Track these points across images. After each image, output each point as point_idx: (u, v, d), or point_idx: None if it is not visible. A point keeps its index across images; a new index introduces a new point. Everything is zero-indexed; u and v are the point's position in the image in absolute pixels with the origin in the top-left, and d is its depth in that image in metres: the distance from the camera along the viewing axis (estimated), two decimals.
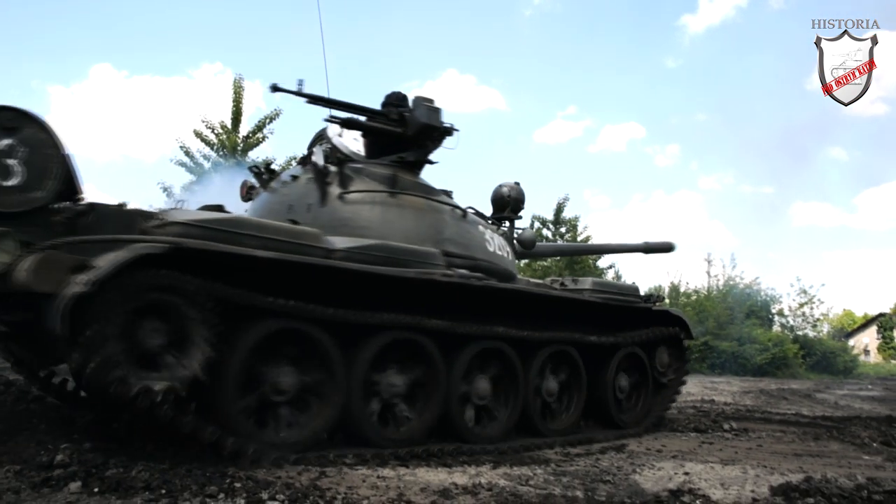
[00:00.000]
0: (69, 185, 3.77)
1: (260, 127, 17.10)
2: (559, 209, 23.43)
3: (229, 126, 17.27)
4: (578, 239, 23.37)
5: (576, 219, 23.90)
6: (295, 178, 5.13)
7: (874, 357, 40.63)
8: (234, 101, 17.09)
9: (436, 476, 3.80)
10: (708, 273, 27.19)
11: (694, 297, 25.75)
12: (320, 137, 5.53)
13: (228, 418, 3.70)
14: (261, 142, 17.20)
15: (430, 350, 4.59)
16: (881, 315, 44.22)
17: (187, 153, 17.13)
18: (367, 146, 5.56)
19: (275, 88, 5.01)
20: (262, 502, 2.95)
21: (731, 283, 26.28)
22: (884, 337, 41.47)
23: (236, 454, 3.60)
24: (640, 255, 9.05)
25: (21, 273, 3.23)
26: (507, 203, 6.30)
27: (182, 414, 3.47)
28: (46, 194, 3.66)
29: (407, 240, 4.78)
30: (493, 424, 5.09)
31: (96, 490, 2.98)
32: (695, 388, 13.16)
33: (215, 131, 17.17)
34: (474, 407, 4.99)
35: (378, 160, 5.31)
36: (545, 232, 23.04)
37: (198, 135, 17.09)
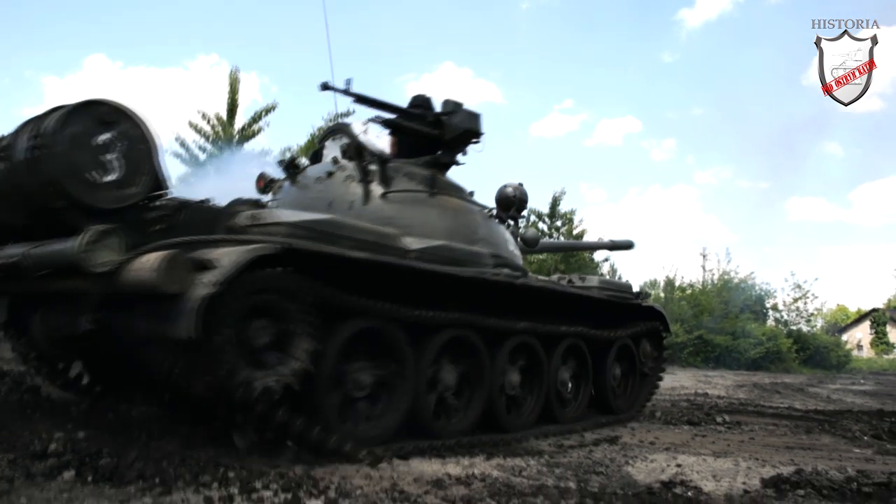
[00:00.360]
0: (156, 180, 3.73)
1: (256, 119, 17.05)
2: (555, 203, 23.43)
3: (225, 118, 17.21)
4: (574, 233, 23.40)
5: (572, 212, 23.92)
6: (331, 174, 5.04)
7: (867, 352, 40.83)
8: (229, 93, 17.02)
9: (429, 466, 3.81)
10: (703, 267, 27.30)
11: (689, 292, 25.82)
12: (332, 132, 5.57)
13: (320, 413, 3.77)
14: (256, 133, 17.15)
15: (479, 346, 4.79)
16: (874, 310, 44.46)
17: (182, 144, 17.07)
18: (401, 146, 5.58)
19: (325, 87, 5.02)
20: (255, 491, 2.96)
21: (727, 277, 26.35)
22: (877, 332, 41.70)
23: (333, 449, 3.65)
24: (607, 251, 9.67)
25: (146, 272, 3.09)
26: (513, 203, 6.45)
27: (278, 408, 3.52)
28: (140, 190, 3.59)
29: (448, 239, 4.92)
30: (522, 413, 5.33)
31: (90, 479, 2.98)
32: (689, 382, 13.22)
33: (211, 123, 17.11)
34: (505, 397, 5.17)
35: (415, 160, 5.36)
36: (541, 225, 23.04)
37: (193, 126, 17.03)
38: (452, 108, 5.48)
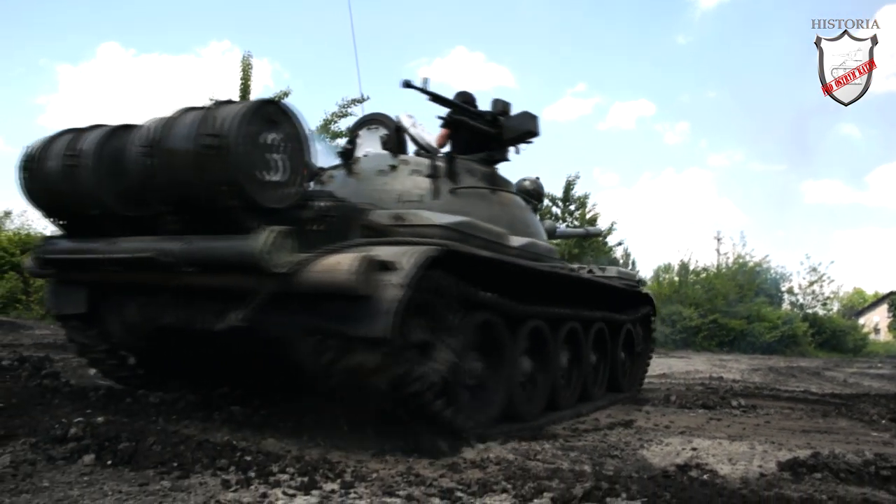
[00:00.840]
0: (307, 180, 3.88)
1: None
2: (569, 187, 23.35)
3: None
4: (587, 217, 23.32)
5: (585, 196, 23.84)
6: (394, 167, 5.09)
7: (884, 335, 40.45)
8: (241, 79, 16.98)
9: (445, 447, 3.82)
10: (717, 251, 27.13)
11: (703, 275, 25.68)
12: (368, 122, 5.67)
13: (454, 401, 3.95)
14: None
15: (547, 334, 5.08)
16: (892, 293, 43.97)
17: None
18: (455, 142, 5.73)
19: (406, 84, 5.11)
20: (272, 475, 2.98)
21: (741, 261, 26.18)
22: (894, 315, 41.21)
23: (467, 436, 3.92)
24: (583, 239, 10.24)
25: (342, 274, 3.20)
26: (532, 196, 6.75)
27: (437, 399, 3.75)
28: (298, 189, 3.64)
29: (512, 233, 5.17)
30: (569, 393, 5.69)
31: (109, 463, 3.03)
32: (703, 366, 13.18)
33: None
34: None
35: (472, 157, 5.51)
36: (554, 210, 22.98)
37: None
38: (502, 107, 5.64)
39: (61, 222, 4.33)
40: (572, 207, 23.48)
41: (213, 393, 4.94)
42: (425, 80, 5.18)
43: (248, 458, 3.20)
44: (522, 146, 5.78)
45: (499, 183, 5.55)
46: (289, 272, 3.30)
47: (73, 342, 4.88)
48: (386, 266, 3.31)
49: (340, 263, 3.24)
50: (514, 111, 5.64)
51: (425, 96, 5.25)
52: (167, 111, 3.69)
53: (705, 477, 3.51)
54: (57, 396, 4.76)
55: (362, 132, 5.54)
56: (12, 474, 2.74)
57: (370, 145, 5.42)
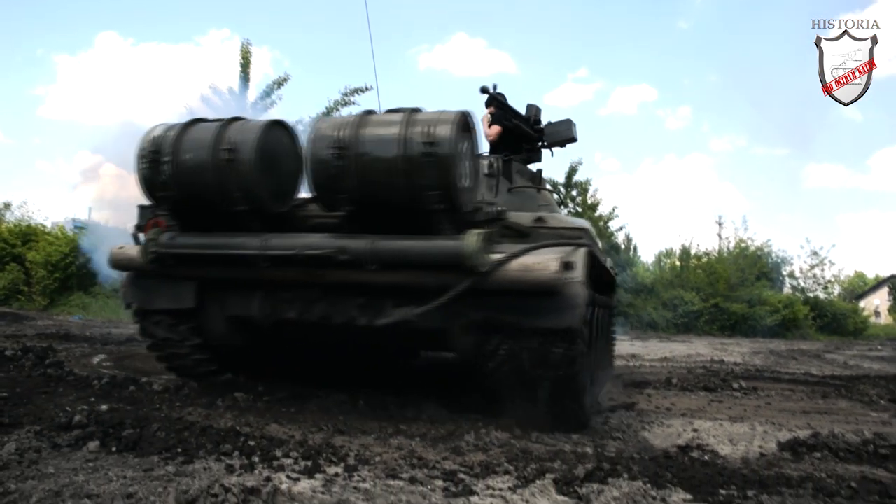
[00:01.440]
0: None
1: (268, 92, 16.99)
2: (571, 172, 23.29)
3: (237, 91, 17.15)
4: (588, 202, 23.29)
5: (587, 182, 23.78)
6: None
7: (885, 319, 40.46)
8: (241, 67, 16.93)
9: (447, 432, 3.85)
10: (719, 235, 27.06)
11: (705, 260, 25.67)
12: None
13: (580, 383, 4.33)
14: (269, 108, 17.11)
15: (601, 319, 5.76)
16: (892, 277, 43.94)
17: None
18: (502, 140, 6.00)
19: (484, 90, 5.74)
20: (276, 459, 3.01)
21: (743, 245, 26.15)
22: (895, 299, 41.22)
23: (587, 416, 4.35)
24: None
25: (546, 274, 3.56)
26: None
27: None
28: (476, 196, 4.07)
29: None
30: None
31: (114, 449, 3.05)
32: (704, 350, 13.20)
33: (223, 97, 17.06)
34: None
35: (517, 157, 5.82)
36: (555, 196, 22.93)
37: (206, 102, 17.00)
38: (536, 111, 6.19)
39: (183, 216, 4.29)
40: (574, 193, 23.44)
41: (217, 380, 4.97)
42: (495, 86, 5.78)
43: (252, 444, 3.22)
44: (558, 150, 6.46)
45: (542, 182, 5.91)
46: (488, 271, 3.61)
47: (152, 338, 4.77)
48: (569, 266, 3.64)
49: (540, 264, 3.60)
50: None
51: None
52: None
53: (706, 457, 3.53)
54: (61, 385, 4.79)
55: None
56: (17, 461, 2.76)
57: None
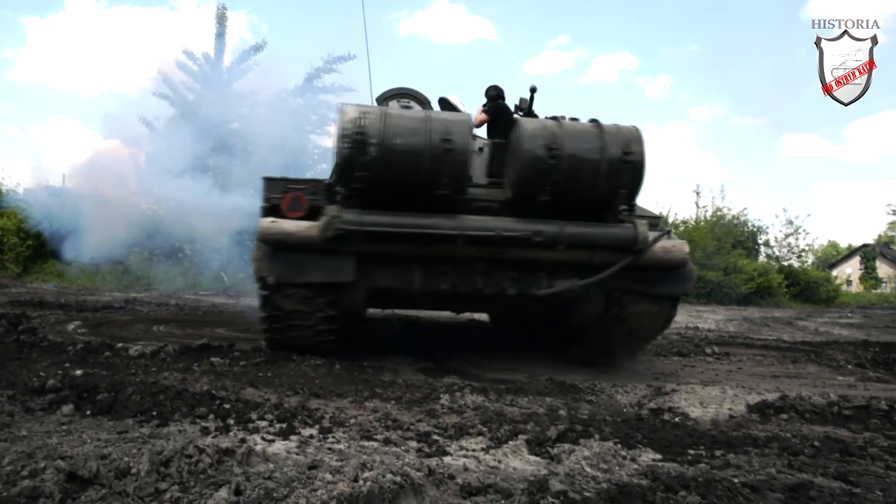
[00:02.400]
0: None
1: (244, 58, 16.69)
2: None
3: (212, 56, 16.84)
4: None
5: None
6: (481, 149, 5.45)
7: (856, 287, 41.26)
8: (217, 32, 16.62)
9: (423, 395, 3.89)
10: (696, 204, 27.29)
11: (682, 228, 25.89)
12: (392, 96, 6.22)
13: None
14: (245, 73, 16.82)
15: None
16: (864, 246, 44.73)
17: (170, 85, 16.73)
18: (490, 126, 6.18)
19: (533, 90, 6.06)
20: (251, 422, 3.02)
21: (719, 213, 26.39)
22: (866, 267, 42.03)
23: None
24: None
25: (682, 253, 4.87)
26: None
27: None
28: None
29: None
30: None
31: (88, 413, 3.04)
32: (680, 317, 13.35)
33: (198, 62, 16.74)
34: None
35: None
36: None
37: (181, 67, 16.67)
38: (525, 104, 6.26)
39: (370, 195, 4.44)
40: None
41: (192, 345, 4.96)
42: (533, 88, 6.07)
43: (227, 406, 3.23)
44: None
45: None
46: (644, 251, 4.64)
47: (278, 311, 4.74)
48: (687, 247, 4.96)
49: (676, 246, 4.88)
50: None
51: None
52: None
53: (677, 419, 3.61)
54: (34, 351, 4.75)
55: (392, 104, 5.98)
56: None
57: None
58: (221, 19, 16.44)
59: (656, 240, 4.68)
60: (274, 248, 4.54)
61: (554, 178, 4.47)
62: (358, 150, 4.25)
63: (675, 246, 4.84)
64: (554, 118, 4.71)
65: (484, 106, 6.21)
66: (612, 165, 4.47)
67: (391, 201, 4.47)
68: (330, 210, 4.39)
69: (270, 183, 4.79)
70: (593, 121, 4.66)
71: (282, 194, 4.66)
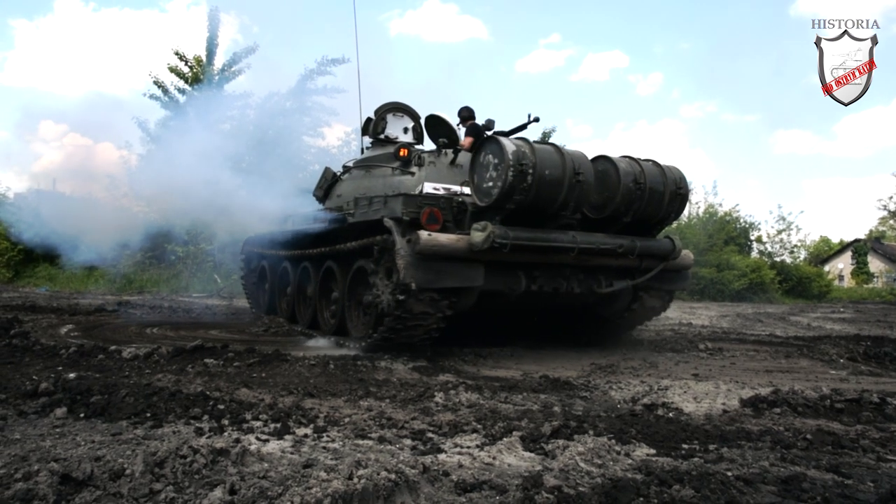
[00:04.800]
0: None
1: (236, 59, 16.66)
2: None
3: (203, 58, 16.79)
4: None
5: None
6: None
7: (848, 282, 41.42)
8: (208, 35, 16.59)
9: (417, 393, 3.89)
10: (689, 200, 27.33)
11: (675, 225, 25.95)
12: (389, 109, 7.34)
13: None
14: (237, 75, 16.79)
15: None
16: (856, 241, 44.91)
17: (161, 87, 16.68)
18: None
19: (536, 120, 6.80)
20: (245, 422, 3.02)
21: (712, 210, 26.47)
22: (858, 262, 42.16)
23: None
24: None
25: (691, 259, 6.62)
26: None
27: None
28: None
29: None
30: None
31: (82, 415, 3.03)
32: (673, 313, 13.41)
33: (189, 63, 16.69)
34: None
35: None
36: None
37: (172, 69, 16.63)
38: (489, 122, 6.97)
39: (514, 215, 5.27)
40: None
41: (186, 347, 4.95)
42: (536, 118, 6.80)
43: (222, 407, 3.23)
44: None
45: None
46: (676, 258, 6.23)
47: (409, 313, 5.18)
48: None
49: (686, 252, 6.46)
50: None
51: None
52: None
53: (671, 415, 3.62)
54: (27, 355, 4.73)
55: (389, 117, 7.22)
56: None
57: (395, 130, 7.33)
58: (213, 21, 16.41)
59: (680, 249, 6.29)
60: (425, 257, 5.04)
61: (635, 205, 5.88)
62: (520, 178, 5.06)
63: (686, 252, 6.48)
64: (629, 157, 6.04)
65: (464, 129, 7.04)
66: (671, 196, 6.02)
67: (525, 220, 5.31)
68: (486, 226, 5.07)
69: (409, 199, 5.43)
70: (654, 161, 6.08)
71: (418, 209, 5.31)
